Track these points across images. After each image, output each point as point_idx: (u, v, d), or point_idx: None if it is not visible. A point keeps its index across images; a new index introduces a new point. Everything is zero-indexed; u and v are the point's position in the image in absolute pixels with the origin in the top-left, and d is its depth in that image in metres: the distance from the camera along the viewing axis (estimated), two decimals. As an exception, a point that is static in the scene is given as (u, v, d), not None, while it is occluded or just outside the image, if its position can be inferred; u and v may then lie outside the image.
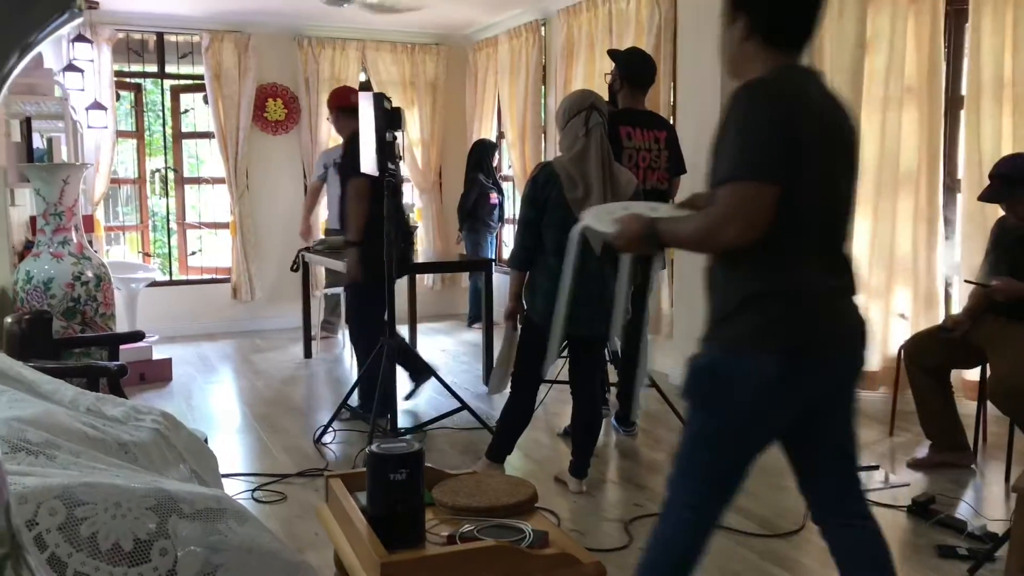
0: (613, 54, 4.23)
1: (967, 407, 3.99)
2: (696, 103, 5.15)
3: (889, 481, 3.57)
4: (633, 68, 4.12)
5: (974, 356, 3.69)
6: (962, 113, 4.46)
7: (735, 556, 2.90)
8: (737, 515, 3.24)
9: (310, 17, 7.16)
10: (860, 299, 1.87)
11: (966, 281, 3.76)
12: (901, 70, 4.50)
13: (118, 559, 1.36)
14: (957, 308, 4.21)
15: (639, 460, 3.99)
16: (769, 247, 1.69)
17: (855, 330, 1.85)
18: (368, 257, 4.28)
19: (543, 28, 7.02)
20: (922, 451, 3.83)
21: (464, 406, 4.33)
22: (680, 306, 5.35)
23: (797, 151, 1.67)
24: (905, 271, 4.55)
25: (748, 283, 1.74)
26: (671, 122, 5.02)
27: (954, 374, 3.85)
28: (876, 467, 3.73)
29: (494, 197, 7.18)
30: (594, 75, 6.23)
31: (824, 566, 2.85)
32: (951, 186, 4.54)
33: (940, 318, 4.22)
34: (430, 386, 4.90)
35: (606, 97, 4.15)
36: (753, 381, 1.71)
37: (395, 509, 1.67)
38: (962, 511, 3.27)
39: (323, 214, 6.98)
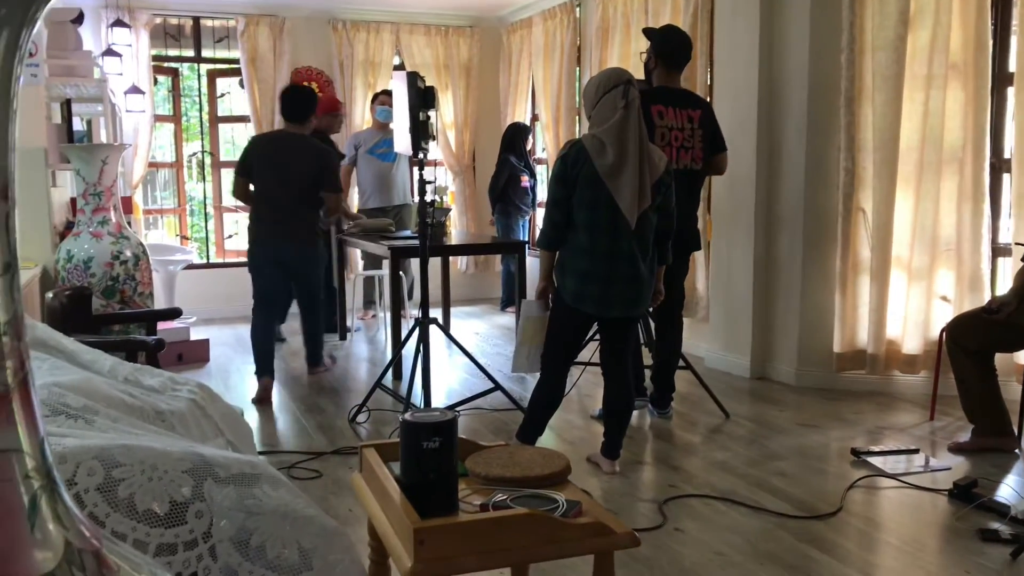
0: (648, 32, 4.17)
1: (1012, 391, 3.90)
2: (733, 82, 5.08)
3: (929, 465, 3.50)
4: (668, 46, 4.06)
5: (1019, 338, 3.60)
6: (1010, 91, 4.34)
7: (772, 537, 2.86)
8: (774, 497, 3.20)
9: (344, 0, 7.17)
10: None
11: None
12: (946, 47, 4.39)
13: (154, 521, 1.37)
14: (1002, 290, 4.11)
15: (673, 442, 3.96)
16: None
17: None
18: None
19: (578, 9, 6.96)
20: (964, 435, 3.75)
21: (497, 386, 4.33)
22: (716, 289, 5.30)
23: None
24: (948, 252, 4.45)
25: None
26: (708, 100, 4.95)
27: (999, 357, 3.75)
28: (916, 451, 3.66)
29: (525, 180, 7.16)
30: (630, 56, 6.16)
31: (861, 547, 2.80)
32: (998, 166, 4.42)
33: (984, 300, 4.12)
34: (464, 367, 4.90)
35: (640, 77, 4.09)
36: None
37: (428, 477, 1.66)
38: (1005, 495, 3.19)
39: (354, 197, 7.02)
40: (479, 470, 1.88)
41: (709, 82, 5.43)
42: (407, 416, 1.70)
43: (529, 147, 7.47)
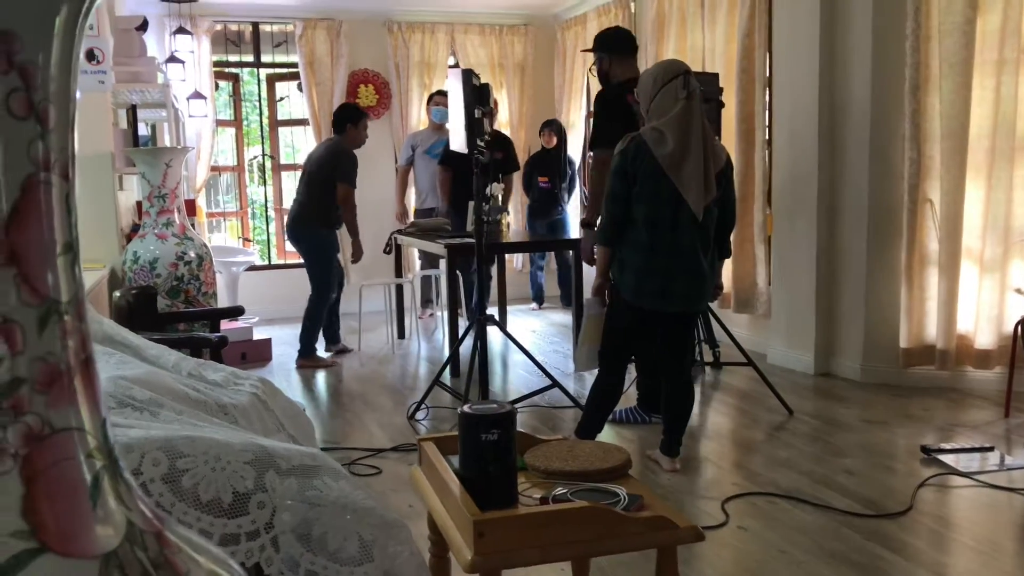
0: (599, 38, 4.16)
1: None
2: (791, 73, 4.97)
3: (1005, 463, 3.37)
4: (613, 42, 4.11)
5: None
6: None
7: (839, 536, 2.79)
8: (842, 495, 3.12)
9: (400, 2, 7.23)
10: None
11: None
12: (1018, 30, 4.22)
13: (218, 511, 1.38)
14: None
15: (735, 439, 3.89)
16: None
17: None
18: None
19: (632, 4, 6.89)
20: (1042, 432, 3.61)
21: (555, 383, 4.31)
22: (778, 283, 5.19)
23: None
24: (1022, 243, 4.28)
25: None
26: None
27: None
28: (991, 448, 3.53)
29: (544, 180, 7.13)
30: (686, 50, 6.09)
31: (932, 547, 2.71)
32: (1074, 152, 4.25)
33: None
34: (521, 364, 4.89)
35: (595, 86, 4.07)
36: None
37: (487, 470, 1.65)
38: (1088, 495, 3.06)
39: (412, 196, 7.08)
40: (538, 464, 1.87)
41: (768, 73, 5.33)
42: (465, 408, 1.70)
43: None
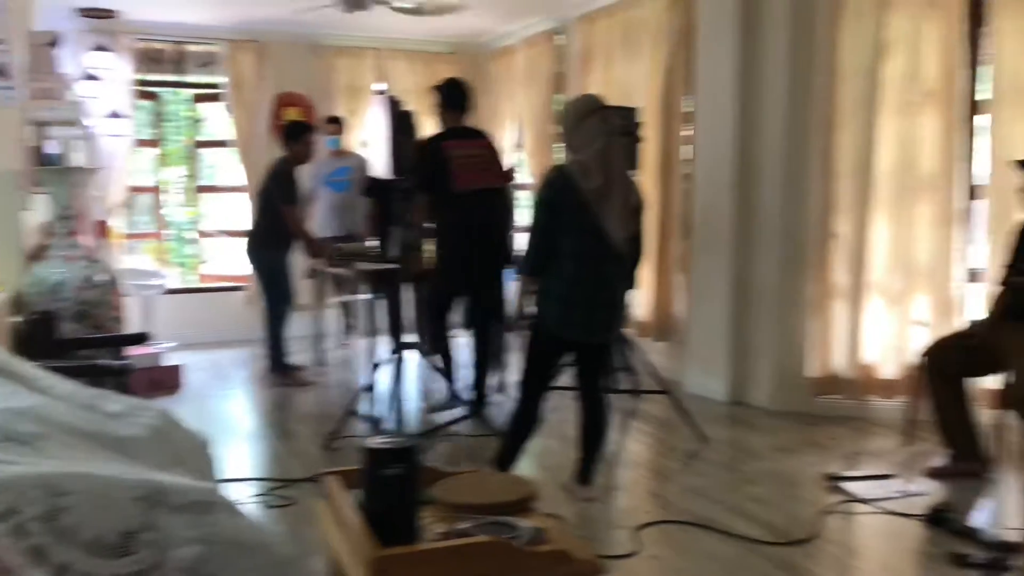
0: (434, 88, 4.71)
1: (986, 416, 3.90)
2: (710, 109, 5.11)
3: (905, 490, 3.49)
4: (447, 92, 4.64)
5: (992, 363, 3.61)
6: (980, 118, 4.40)
7: (748, 564, 2.84)
8: (750, 523, 3.18)
9: (327, 25, 7.18)
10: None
11: (1009, 281, 3.66)
12: (921, 75, 4.44)
13: (102, 551, 1.33)
14: (975, 315, 4.13)
15: (650, 467, 3.94)
16: None
17: None
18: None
19: (560, 37, 7.01)
20: (940, 461, 3.75)
21: (474, 412, 4.31)
22: (694, 313, 5.29)
23: None
24: (924, 277, 4.48)
25: None
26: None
27: (973, 382, 3.77)
28: (893, 476, 3.66)
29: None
30: (612, 83, 6.21)
31: (837, 574, 2.78)
32: (971, 192, 4.46)
33: (959, 325, 4.15)
34: (443, 393, 4.88)
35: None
36: None
37: (389, 505, 1.64)
38: (979, 520, 3.19)
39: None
40: (445, 497, 1.86)
41: (689, 109, 5.47)
42: (368, 443, 1.69)
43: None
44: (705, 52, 5.18)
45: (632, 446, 4.23)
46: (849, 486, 3.53)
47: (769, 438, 4.31)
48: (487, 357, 4.74)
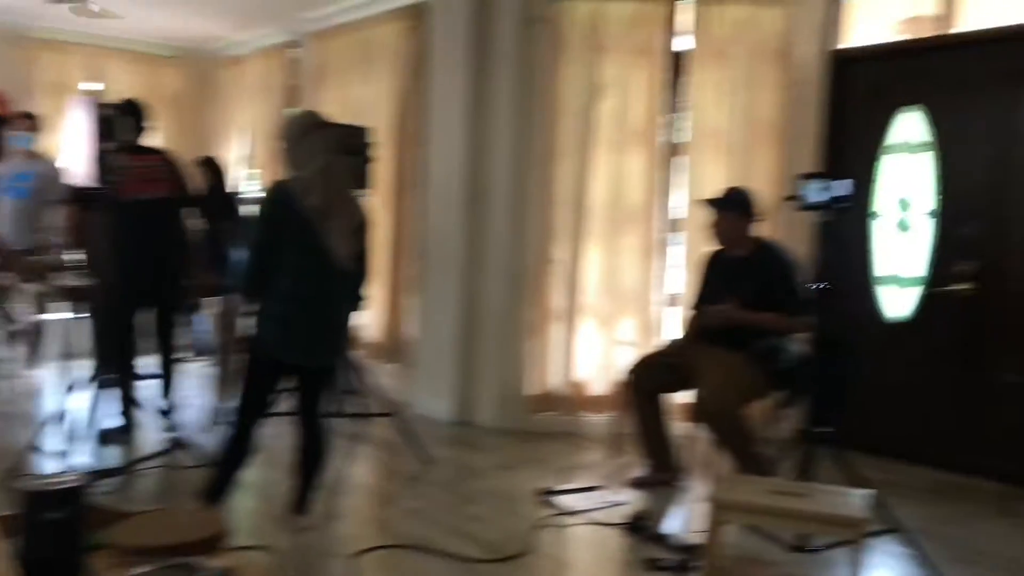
0: (110, 106, 4.56)
1: (681, 429, 4.28)
2: (444, 134, 5.20)
3: (609, 501, 3.74)
4: (127, 108, 4.51)
5: (686, 380, 3.97)
6: (679, 159, 4.88)
7: (459, 583, 2.88)
8: (468, 542, 3.24)
9: (33, 16, 6.49)
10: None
11: (698, 307, 4.06)
12: (629, 116, 4.84)
13: None
14: (672, 335, 4.53)
15: (372, 492, 3.91)
16: None
17: None
18: None
19: (295, 50, 6.84)
20: (640, 471, 4.06)
21: (177, 444, 4.04)
22: (423, 334, 5.34)
23: None
24: (629, 301, 4.86)
25: None
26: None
27: (670, 398, 4.13)
28: (599, 487, 3.90)
29: None
30: (348, 101, 6.15)
31: (543, 587, 2.90)
32: (671, 225, 4.92)
33: (658, 345, 4.53)
34: (148, 424, 4.52)
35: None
36: None
37: (50, 553, 1.47)
38: (670, 526, 3.49)
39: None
40: (123, 540, 1.70)
41: (423, 134, 5.53)
42: (27, 484, 1.50)
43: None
44: (438, 78, 5.28)
45: (356, 471, 4.17)
46: (560, 499, 3.72)
47: (491, 456, 4.44)
48: (170, 374, 4.63)
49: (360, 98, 6.11)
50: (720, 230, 3.93)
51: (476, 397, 5.07)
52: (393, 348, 5.66)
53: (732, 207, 3.89)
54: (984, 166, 4.25)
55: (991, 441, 4.14)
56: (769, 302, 3.75)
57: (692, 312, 4.12)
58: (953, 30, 4.37)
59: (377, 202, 5.41)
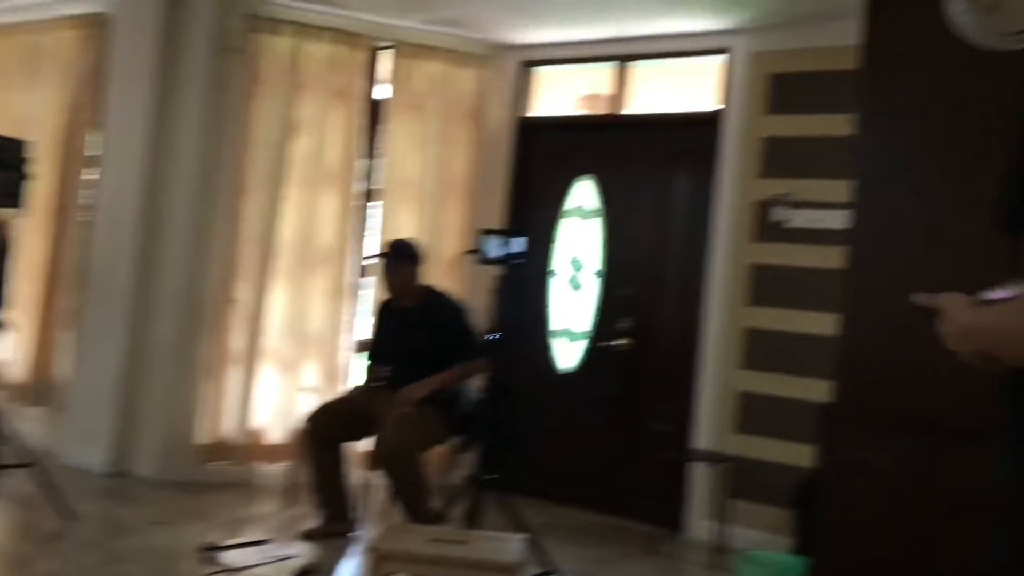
0: None
1: (361, 477, 4.20)
2: (122, 157, 4.74)
3: (278, 554, 3.54)
4: None
5: (367, 427, 3.91)
6: (373, 204, 4.89)
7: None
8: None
9: None
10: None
11: (371, 359, 4.03)
12: (324, 157, 4.76)
13: None
14: (356, 382, 4.47)
15: (3, 554, 3.36)
16: None
17: None
18: None
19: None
20: (313, 522, 3.90)
21: None
22: (79, 375, 4.76)
23: None
24: (315, 345, 4.73)
25: None
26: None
27: (350, 446, 4.04)
28: (268, 541, 3.69)
29: None
30: (6, 109, 5.41)
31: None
32: (361, 269, 4.89)
33: (341, 392, 4.44)
34: None
35: None
36: None
37: None
38: (343, 577, 3.38)
39: None
40: None
41: (96, 152, 5.00)
42: None
43: None
44: (116, 95, 4.83)
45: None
46: (224, 555, 3.45)
47: (148, 511, 4.03)
48: None
49: (21, 107, 5.42)
50: (389, 280, 4.00)
51: (137, 445, 4.60)
52: (41, 389, 4.98)
53: (398, 257, 3.98)
54: (643, 234, 4.73)
55: (643, 485, 4.54)
56: (443, 349, 3.84)
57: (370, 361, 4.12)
58: (624, 110, 4.86)
59: (30, 224, 4.80)
